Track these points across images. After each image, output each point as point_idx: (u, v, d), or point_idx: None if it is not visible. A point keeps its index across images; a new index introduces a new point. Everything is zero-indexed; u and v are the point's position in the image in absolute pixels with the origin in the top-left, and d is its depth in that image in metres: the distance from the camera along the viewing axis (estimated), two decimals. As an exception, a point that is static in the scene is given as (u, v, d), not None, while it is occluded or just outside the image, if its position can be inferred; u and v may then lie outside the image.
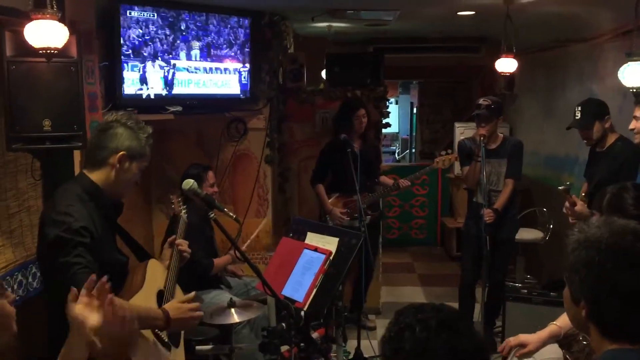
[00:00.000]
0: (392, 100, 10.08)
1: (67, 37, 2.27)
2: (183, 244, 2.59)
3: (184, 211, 2.81)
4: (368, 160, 4.57)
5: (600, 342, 1.42)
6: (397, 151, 11.04)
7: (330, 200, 4.67)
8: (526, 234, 5.32)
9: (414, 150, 9.76)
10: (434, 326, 1.25)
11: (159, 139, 4.65)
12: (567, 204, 3.42)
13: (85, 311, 1.55)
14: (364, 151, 4.58)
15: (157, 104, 3.80)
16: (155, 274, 2.42)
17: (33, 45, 2.22)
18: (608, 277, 1.36)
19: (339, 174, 4.66)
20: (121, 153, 2.24)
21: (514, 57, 4.46)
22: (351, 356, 4.22)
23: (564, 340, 2.57)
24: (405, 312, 1.31)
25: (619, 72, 3.49)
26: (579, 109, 3.79)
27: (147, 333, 2.27)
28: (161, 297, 2.40)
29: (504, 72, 4.61)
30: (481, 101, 4.26)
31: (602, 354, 1.41)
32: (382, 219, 5.34)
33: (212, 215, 2.39)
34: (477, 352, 1.27)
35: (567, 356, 2.45)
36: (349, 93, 5.08)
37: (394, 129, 10.09)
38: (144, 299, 2.28)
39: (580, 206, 3.38)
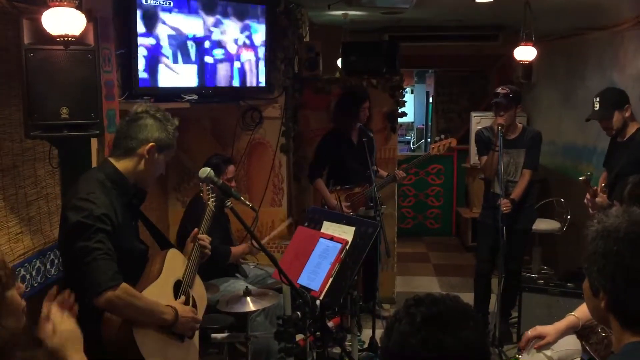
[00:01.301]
0: (408, 89, 10.00)
1: (85, 25, 2.27)
2: (205, 240, 2.61)
3: (212, 200, 2.82)
4: (372, 151, 4.53)
5: (621, 334, 1.40)
6: (412, 141, 10.97)
7: (332, 195, 4.58)
8: (543, 225, 5.28)
9: (429, 140, 9.70)
10: (418, 320, 1.23)
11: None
12: (588, 195, 3.38)
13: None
14: (362, 142, 4.51)
15: (173, 92, 3.80)
16: (175, 263, 2.43)
17: (51, 33, 2.22)
18: (627, 266, 1.34)
19: (338, 165, 4.61)
20: (151, 144, 2.29)
21: (533, 45, 4.40)
22: (366, 345, 4.23)
23: (582, 332, 2.54)
24: (406, 303, 1.31)
25: (641, 60, 3.43)
26: (598, 99, 3.73)
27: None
28: (178, 287, 2.40)
29: (522, 61, 4.55)
30: (499, 89, 4.21)
31: (623, 347, 1.39)
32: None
33: (229, 203, 2.39)
34: (468, 349, 1.22)
35: (587, 347, 2.43)
36: (365, 82, 5.04)
37: (409, 118, 10.02)
38: (159, 289, 2.29)
39: (601, 198, 3.35)
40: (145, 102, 2.78)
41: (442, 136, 4.58)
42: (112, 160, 2.33)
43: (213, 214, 2.78)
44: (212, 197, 2.87)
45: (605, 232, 1.37)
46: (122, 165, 2.30)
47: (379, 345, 4.12)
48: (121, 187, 2.28)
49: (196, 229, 2.64)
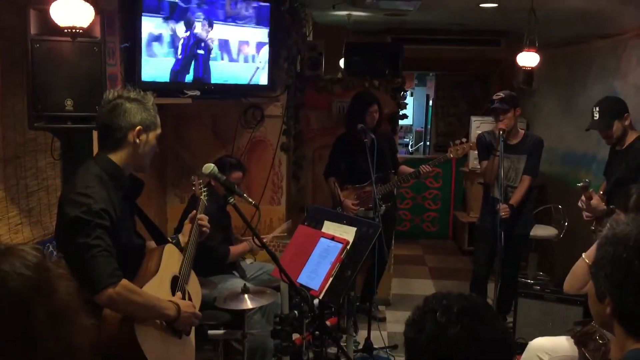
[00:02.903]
0: (408, 91, 10.02)
1: (93, 17, 2.26)
2: (203, 219, 2.60)
3: (204, 194, 2.81)
4: (380, 152, 4.53)
5: (625, 340, 1.40)
6: (410, 143, 10.99)
7: (343, 193, 4.66)
8: (540, 231, 5.29)
9: (428, 142, 9.71)
10: (455, 311, 1.28)
11: (175, 123, 4.70)
12: (583, 198, 3.39)
13: None
14: (377, 143, 4.53)
15: (175, 87, 3.80)
16: (171, 259, 2.41)
17: (59, 24, 2.21)
18: (635, 273, 1.34)
19: (352, 165, 4.64)
20: (138, 128, 2.22)
21: (536, 52, 4.41)
22: (361, 346, 4.23)
23: (580, 338, 2.55)
24: (432, 297, 1.35)
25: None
26: (597, 109, 3.73)
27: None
28: (176, 282, 2.39)
29: (525, 67, 4.56)
30: (494, 96, 4.24)
31: (626, 353, 1.39)
32: (396, 210, 5.30)
33: (232, 200, 2.39)
34: (498, 341, 1.28)
35: (585, 354, 2.44)
36: (367, 83, 5.05)
37: (408, 120, 10.04)
38: (158, 285, 2.27)
39: (596, 200, 3.36)
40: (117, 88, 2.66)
41: (464, 139, 4.56)
42: (104, 153, 2.27)
43: (205, 207, 2.76)
44: (204, 191, 2.85)
45: (615, 238, 1.37)
46: (117, 157, 2.25)
47: (374, 346, 4.14)
48: (118, 180, 2.24)
49: (194, 211, 2.63)
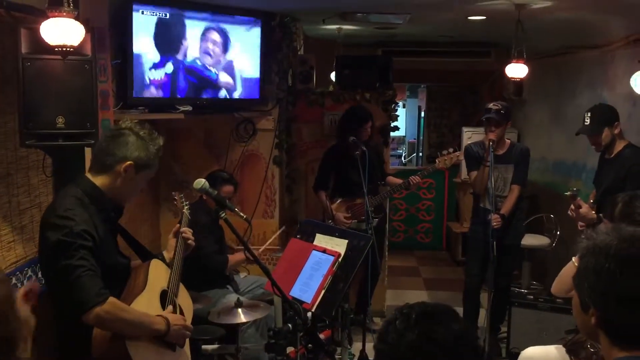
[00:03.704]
0: (400, 103, 10.07)
1: (83, 36, 2.28)
2: (187, 232, 2.59)
3: (186, 207, 2.82)
4: (370, 164, 4.55)
5: (610, 349, 1.41)
6: (403, 155, 11.03)
7: (333, 206, 4.65)
8: (533, 240, 5.31)
9: (420, 154, 9.75)
10: (413, 318, 1.32)
11: (168, 139, 4.68)
12: (572, 206, 3.42)
13: None
14: (367, 154, 4.54)
15: (168, 103, 3.82)
16: (158, 273, 2.41)
17: (49, 43, 2.23)
18: (617, 283, 1.36)
19: (342, 178, 4.65)
20: (128, 163, 2.23)
21: (524, 63, 4.46)
22: (356, 359, 4.22)
23: (571, 347, 2.56)
24: (397, 308, 1.39)
25: (631, 79, 3.49)
26: (589, 114, 3.78)
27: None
28: (165, 297, 2.39)
29: (514, 78, 4.60)
30: (491, 105, 4.26)
31: (612, 361, 1.41)
32: (386, 222, 5.30)
33: (223, 215, 2.40)
34: (458, 341, 1.30)
35: (576, 363, 2.45)
36: (358, 96, 5.08)
37: (401, 132, 10.05)
38: (147, 301, 2.27)
39: (585, 209, 3.39)
40: (135, 115, 2.71)
41: (451, 150, 4.57)
42: (89, 175, 2.28)
43: (189, 220, 2.77)
44: (186, 204, 2.87)
45: (597, 248, 1.39)
46: (99, 181, 2.25)
47: (369, 358, 4.14)
48: (99, 202, 2.24)
49: (177, 225, 2.63)
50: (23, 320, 1.34)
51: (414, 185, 4.64)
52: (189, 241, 2.58)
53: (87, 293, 2.05)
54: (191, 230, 2.62)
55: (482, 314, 4.46)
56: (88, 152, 2.92)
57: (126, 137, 2.24)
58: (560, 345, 2.78)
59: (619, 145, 3.73)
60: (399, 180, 4.78)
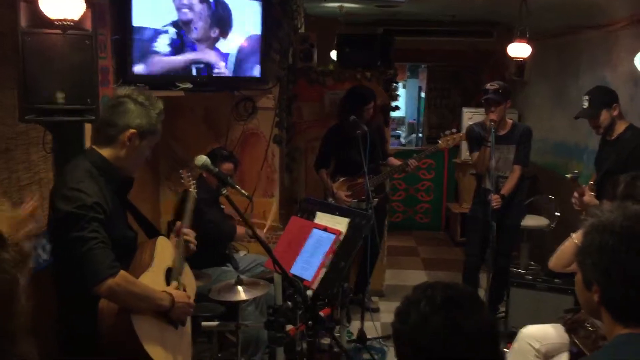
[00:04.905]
0: (400, 84, 10.01)
1: (84, 10, 2.26)
2: (190, 234, 2.56)
3: (193, 186, 2.81)
4: (372, 143, 4.54)
5: (612, 326, 1.42)
6: (403, 135, 11.00)
7: (335, 184, 4.67)
8: (532, 221, 5.32)
9: (420, 134, 9.72)
10: (439, 302, 1.29)
11: (167, 116, 4.64)
12: (575, 194, 3.41)
13: None
14: (368, 134, 4.53)
15: (167, 80, 3.79)
16: (164, 251, 2.43)
17: (49, 17, 2.21)
18: (621, 260, 1.36)
19: (343, 157, 4.65)
20: (131, 131, 2.23)
21: (527, 42, 4.43)
22: (354, 337, 4.25)
23: (570, 326, 2.58)
24: (418, 287, 1.36)
25: (635, 58, 3.46)
26: (587, 98, 3.77)
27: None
28: (170, 274, 2.40)
29: (516, 57, 4.58)
30: (488, 86, 4.25)
31: (614, 338, 1.41)
32: (387, 202, 5.32)
33: (225, 192, 2.39)
34: (480, 334, 1.28)
35: (575, 341, 2.47)
36: (359, 74, 5.05)
37: (400, 112, 10.03)
38: (153, 277, 2.29)
39: (589, 196, 3.39)
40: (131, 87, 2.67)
41: (454, 130, 4.55)
42: (96, 147, 2.28)
43: (195, 200, 2.76)
44: (194, 183, 2.85)
45: (601, 226, 1.39)
46: (106, 152, 2.26)
47: (367, 337, 4.16)
48: (109, 174, 2.25)
49: (179, 222, 2.61)
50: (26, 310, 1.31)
51: (412, 169, 4.63)
52: (191, 245, 2.55)
53: (100, 264, 2.07)
54: (194, 233, 2.59)
55: (481, 294, 4.48)
56: (88, 127, 2.90)
57: (126, 105, 2.24)
58: (558, 324, 2.81)
59: (620, 127, 3.72)
60: (398, 162, 4.77)
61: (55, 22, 2.21)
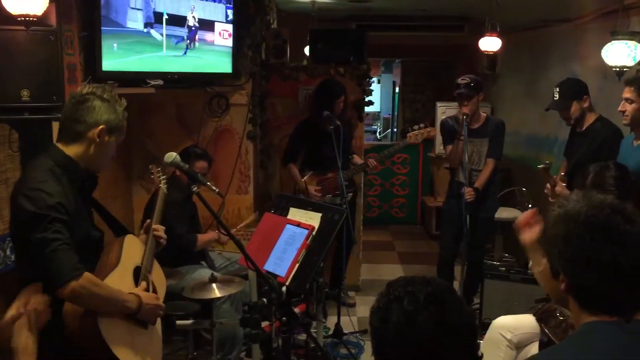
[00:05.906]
0: (375, 79, 10.04)
1: (47, 5, 2.21)
2: (159, 230, 2.53)
3: (163, 182, 2.77)
4: (343, 138, 4.53)
5: (579, 314, 1.44)
6: (378, 130, 11.04)
7: (304, 179, 4.65)
8: (505, 213, 5.37)
9: (395, 129, 9.77)
10: (422, 299, 1.29)
11: (139, 114, 4.63)
12: (548, 185, 3.46)
13: None
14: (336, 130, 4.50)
15: (138, 77, 3.74)
16: (132, 250, 2.37)
17: (11, 12, 2.16)
18: (586, 249, 1.37)
19: (313, 152, 4.64)
20: (101, 127, 2.18)
21: (498, 36, 4.47)
22: (331, 332, 4.26)
23: (541, 315, 2.62)
24: (395, 284, 1.35)
25: (602, 50, 3.51)
26: (557, 90, 3.81)
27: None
28: (137, 274, 2.35)
29: (487, 51, 4.62)
30: (459, 80, 4.29)
31: (580, 327, 1.43)
32: (356, 196, 5.28)
33: (196, 189, 2.37)
34: (464, 326, 1.30)
35: (545, 330, 2.50)
36: (332, 70, 5.04)
37: (375, 108, 10.07)
38: (120, 277, 2.24)
39: (561, 187, 3.43)
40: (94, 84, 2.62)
41: (422, 125, 4.57)
42: (60, 145, 2.21)
43: (165, 196, 2.72)
44: (163, 179, 2.81)
45: (567, 215, 1.41)
46: (72, 150, 2.20)
47: (344, 331, 4.17)
48: (72, 172, 2.19)
49: (149, 220, 2.56)
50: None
51: (372, 169, 4.64)
52: (161, 240, 2.52)
53: (63, 267, 2.02)
54: (163, 228, 2.55)
55: (456, 286, 4.52)
56: (55, 125, 2.84)
57: (92, 102, 2.18)
58: (530, 314, 2.84)
59: (590, 118, 3.77)
60: (360, 160, 4.79)
61: (18, 18, 2.16)
